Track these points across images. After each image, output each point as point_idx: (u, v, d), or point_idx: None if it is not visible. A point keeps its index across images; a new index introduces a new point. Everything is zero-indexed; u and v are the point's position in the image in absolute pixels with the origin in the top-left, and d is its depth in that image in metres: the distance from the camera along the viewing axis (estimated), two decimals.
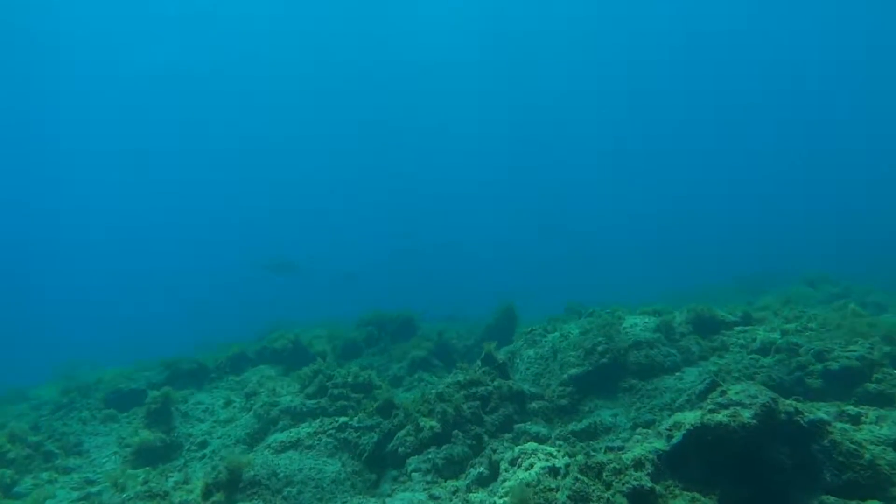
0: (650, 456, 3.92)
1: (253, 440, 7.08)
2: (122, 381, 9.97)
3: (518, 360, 9.80)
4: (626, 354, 7.53)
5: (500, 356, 7.46)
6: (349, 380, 8.19)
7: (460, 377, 6.98)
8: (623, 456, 3.93)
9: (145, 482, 4.45)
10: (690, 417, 4.31)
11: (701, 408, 4.77)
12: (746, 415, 3.99)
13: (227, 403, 8.34)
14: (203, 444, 7.11)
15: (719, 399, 4.27)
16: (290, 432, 6.69)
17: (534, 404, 7.19)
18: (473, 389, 6.82)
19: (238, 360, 10.56)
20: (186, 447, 7.07)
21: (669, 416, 5.94)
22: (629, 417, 6.38)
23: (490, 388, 6.88)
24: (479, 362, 7.56)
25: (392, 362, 11.71)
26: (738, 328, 7.84)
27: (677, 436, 4.20)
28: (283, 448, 6.37)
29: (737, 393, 4.48)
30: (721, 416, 4.02)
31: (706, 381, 5.15)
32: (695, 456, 4.11)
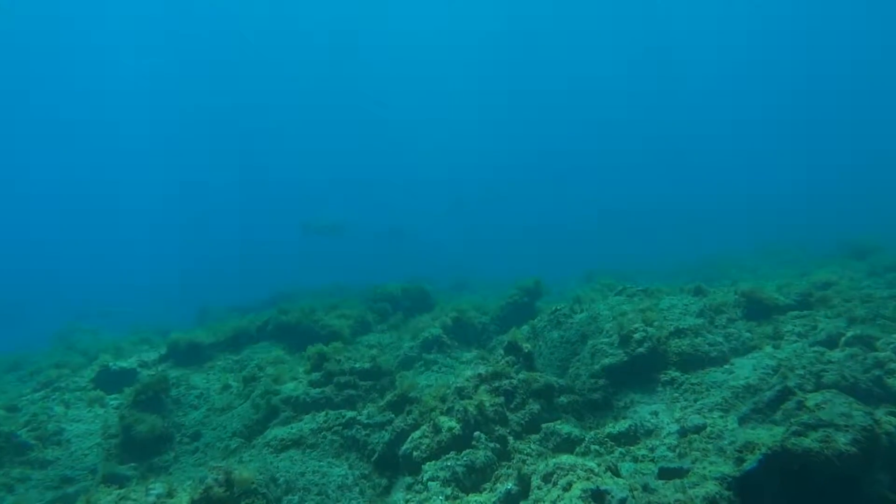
0: (725, 493, 3.29)
1: (251, 432, 6.60)
2: (112, 356, 9.56)
3: (541, 343, 9.21)
4: (667, 343, 6.87)
5: (527, 345, 6.84)
6: (357, 365, 7.65)
7: (482, 369, 6.37)
8: (691, 493, 3.30)
9: (121, 499, 3.92)
10: (766, 437, 3.67)
11: (773, 422, 4.13)
12: (843, 440, 3.33)
13: (224, 388, 7.86)
14: (196, 436, 6.66)
15: (803, 417, 3.60)
16: (292, 427, 6.19)
17: (562, 398, 6.60)
18: (497, 383, 6.23)
19: (238, 336, 10.08)
20: (178, 439, 6.61)
21: (722, 418, 5.34)
22: (673, 417, 5.77)
23: (515, 381, 6.28)
24: (501, 351, 6.95)
25: (404, 340, 11.18)
26: (793, 313, 7.13)
27: (751, 460, 3.57)
28: (284, 446, 5.88)
29: (819, 406, 3.82)
30: (810, 442, 3.36)
31: (776, 389, 4.48)
32: (773, 486, 3.48)
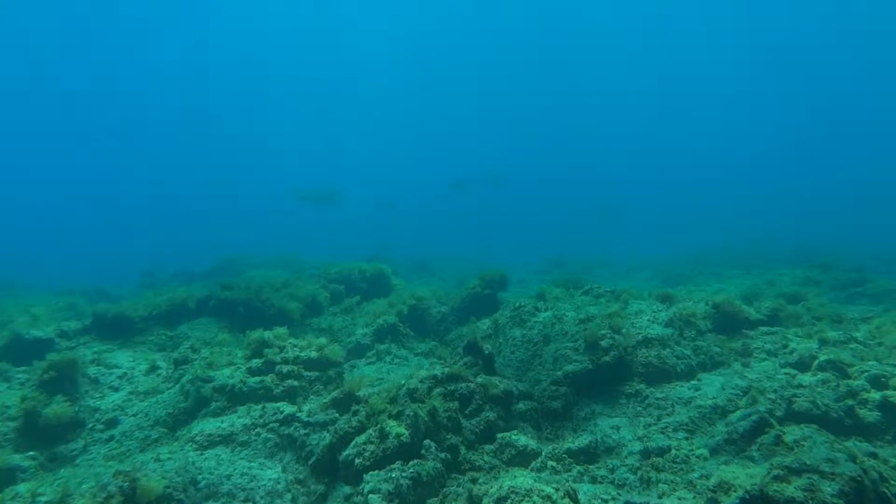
0: None
1: (176, 423, 6.02)
2: (28, 322, 8.74)
3: (501, 340, 8.88)
4: (635, 352, 6.63)
5: (487, 346, 6.48)
6: (302, 354, 7.13)
7: (438, 370, 5.98)
8: None
9: None
10: (743, 478, 3.39)
11: (750, 458, 3.87)
12: (829, 490, 3.07)
13: (152, 369, 7.21)
14: (112, 423, 6.03)
15: (785, 459, 3.33)
16: (223, 421, 5.66)
17: (521, 405, 6.29)
18: (453, 387, 5.85)
19: (175, 310, 9.36)
20: (91, 425, 5.97)
21: (687, 440, 5.11)
22: (635, 434, 5.53)
23: (473, 385, 5.92)
24: (460, 350, 6.56)
25: (357, 326, 10.69)
26: (763, 328, 7.00)
27: (726, 502, 3.29)
28: (211, 442, 5.35)
29: (799, 444, 3.58)
30: (793, 490, 3.10)
31: (751, 419, 4.24)
32: None
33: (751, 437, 4.06)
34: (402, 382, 6.08)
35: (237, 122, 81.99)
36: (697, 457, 4.60)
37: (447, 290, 14.90)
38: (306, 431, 5.60)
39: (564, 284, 11.96)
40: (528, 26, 67.24)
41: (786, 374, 5.61)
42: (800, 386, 5.32)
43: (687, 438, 5.10)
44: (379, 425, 5.24)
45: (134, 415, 6.13)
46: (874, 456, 3.53)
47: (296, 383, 6.80)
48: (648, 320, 7.57)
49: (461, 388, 5.89)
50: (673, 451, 4.82)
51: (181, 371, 6.92)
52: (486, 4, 65.34)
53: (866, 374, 5.19)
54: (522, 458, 5.34)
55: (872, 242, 29.09)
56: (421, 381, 5.88)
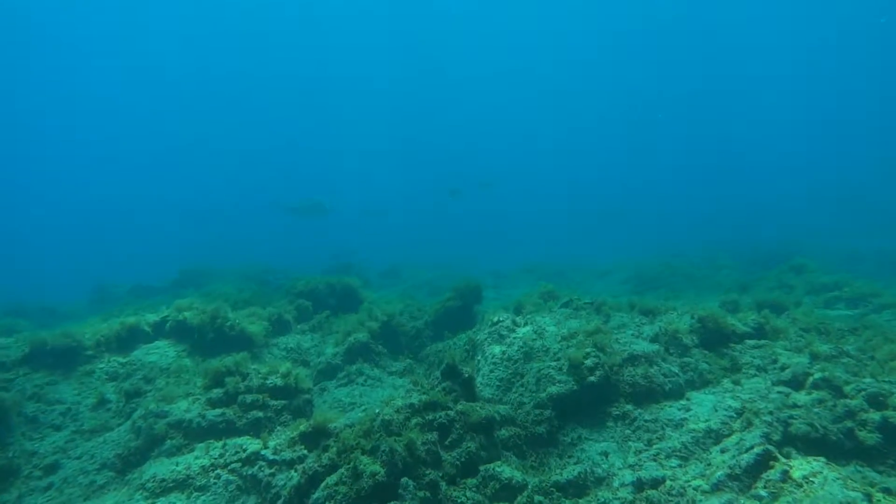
0: None
1: (126, 465, 5.52)
2: None
3: (480, 358, 8.58)
4: (621, 372, 6.40)
5: (467, 370, 6.15)
6: (267, 382, 6.70)
7: (415, 398, 5.63)
8: None
9: None
10: None
11: (757, 498, 3.63)
12: None
13: (100, 403, 6.67)
14: (52, 468, 5.49)
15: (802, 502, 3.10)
16: (178, 463, 5.19)
17: (503, 431, 5.99)
18: (431, 416, 5.51)
19: (129, 333, 8.77)
20: (27, 472, 5.43)
21: (682, 468, 4.87)
22: (626, 461, 5.28)
23: (452, 413, 5.58)
24: (438, 374, 6.23)
25: (327, 344, 10.26)
26: (750, 342, 6.86)
27: None
28: (164, 489, 4.89)
29: (808, 480, 3.35)
30: None
31: (754, 452, 4.01)
32: None
33: (755, 471, 3.84)
34: (377, 412, 5.72)
35: (197, 127, 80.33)
36: (694, 489, 4.36)
37: (420, 301, 14.59)
38: (272, 471, 5.18)
39: (542, 295, 11.75)
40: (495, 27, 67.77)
41: (779, 392, 5.44)
42: (795, 406, 5.15)
43: (681, 466, 4.87)
44: (352, 463, 4.87)
45: (78, 457, 5.60)
46: (889, 492, 3.33)
47: (261, 414, 6.37)
48: (632, 335, 7.38)
49: (440, 416, 5.55)
50: (668, 483, 4.58)
51: (133, 405, 6.41)
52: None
53: (863, 392, 5.05)
54: (507, 493, 5.03)
55: (839, 238, 29.98)
56: (397, 412, 5.53)
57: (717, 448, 4.86)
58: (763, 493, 3.56)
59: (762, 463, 3.85)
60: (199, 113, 78.35)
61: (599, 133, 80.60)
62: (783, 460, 3.79)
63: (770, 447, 4.00)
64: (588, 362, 6.39)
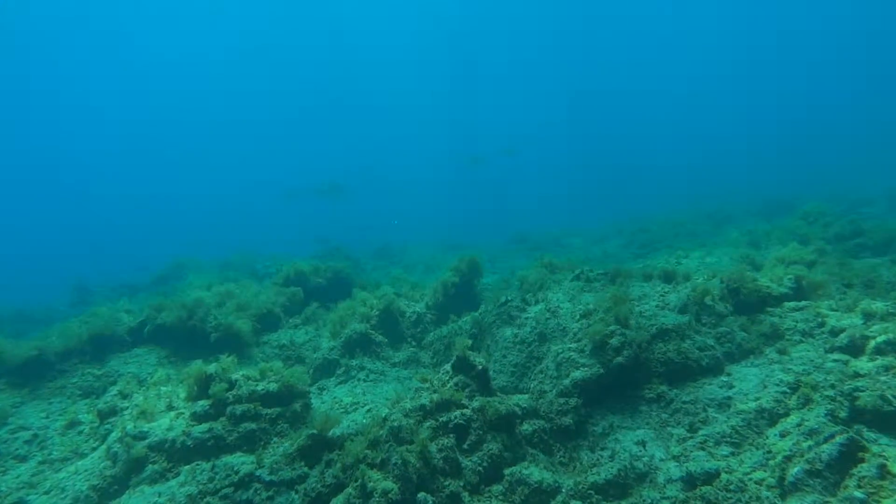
0: None
1: (102, 497, 4.98)
2: None
3: (490, 342, 8.08)
4: (651, 349, 5.89)
5: (480, 360, 5.61)
6: (259, 388, 6.14)
7: (426, 398, 5.10)
8: None
9: None
10: None
11: (853, 502, 3.12)
12: None
13: (71, 425, 6.10)
14: None
15: None
16: (161, 494, 4.66)
17: (526, 426, 5.50)
18: (445, 416, 4.99)
19: (101, 340, 8.17)
20: None
21: (736, 457, 4.37)
22: (668, 451, 4.79)
23: (469, 412, 5.07)
24: (448, 368, 5.69)
25: (322, 338, 9.71)
26: (790, 304, 6.35)
27: None
28: None
29: None
30: None
31: (837, 442, 3.48)
32: None
33: (841, 466, 3.34)
34: (384, 416, 5.20)
35: (178, 119, 78.79)
36: (757, 482, 3.87)
37: (416, 281, 14.04)
38: (269, 494, 4.66)
39: (545, 267, 11.20)
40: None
41: (836, 361, 4.95)
42: (857, 375, 4.65)
43: (735, 455, 4.39)
44: (360, 480, 4.36)
45: (47, 492, 5.06)
46: None
47: (253, 426, 5.83)
48: (656, 306, 6.85)
49: (455, 417, 5.03)
50: (724, 476, 4.10)
51: (109, 425, 5.85)
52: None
53: None
54: (539, 498, 4.56)
55: (839, 182, 29.53)
56: (406, 415, 5.00)
57: (775, 431, 4.37)
58: (858, 494, 3.07)
59: (849, 455, 3.36)
60: (186, 101, 77.06)
61: (582, 99, 79.65)
62: (875, 450, 3.29)
63: (854, 435, 3.50)
64: (613, 341, 5.87)
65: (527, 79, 77.93)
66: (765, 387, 4.97)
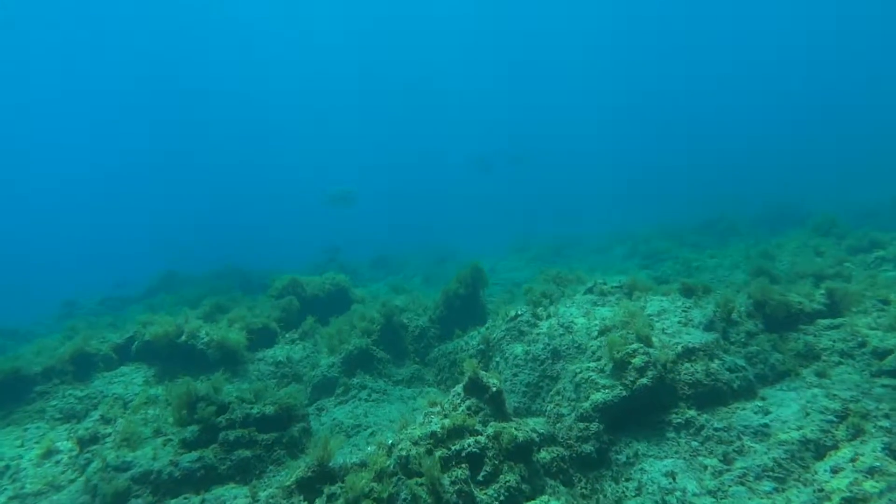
0: None
1: None
2: None
3: (500, 360, 7.70)
4: (677, 369, 5.52)
5: (494, 381, 5.23)
6: (254, 411, 5.74)
7: (436, 424, 4.71)
8: None
9: None
10: None
11: None
12: None
13: (48, 454, 5.67)
14: None
15: None
16: None
17: (544, 453, 5.10)
18: (458, 444, 4.59)
19: (84, 358, 7.75)
20: None
21: (781, 494, 3.99)
22: (702, 485, 4.40)
23: (483, 439, 4.67)
24: (459, 390, 5.30)
25: (320, 354, 9.30)
26: (825, 321, 5.99)
27: None
28: None
29: None
30: None
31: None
32: None
33: None
34: (390, 443, 4.81)
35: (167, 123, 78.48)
36: None
37: (417, 293, 13.66)
38: None
39: (554, 280, 10.85)
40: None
41: (885, 386, 4.58)
42: None
43: (779, 491, 4.01)
44: None
45: None
46: None
47: (248, 453, 5.43)
48: (678, 322, 6.49)
49: (469, 444, 4.64)
50: None
51: (89, 454, 5.43)
52: None
53: None
54: None
55: (841, 192, 29.25)
56: (415, 443, 4.61)
57: (825, 466, 3.99)
58: None
59: None
60: (182, 113, 76.97)
61: (581, 108, 79.82)
62: None
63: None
64: (636, 361, 5.50)
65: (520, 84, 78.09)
66: (807, 414, 4.59)
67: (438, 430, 4.68)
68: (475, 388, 5.30)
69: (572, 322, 7.37)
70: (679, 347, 5.68)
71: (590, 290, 8.66)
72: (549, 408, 5.94)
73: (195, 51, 69.07)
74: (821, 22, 65.91)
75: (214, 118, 79.53)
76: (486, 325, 8.96)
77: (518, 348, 7.45)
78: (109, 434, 5.60)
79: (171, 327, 8.18)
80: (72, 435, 5.79)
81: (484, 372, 5.35)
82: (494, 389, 5.27)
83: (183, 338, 8.07)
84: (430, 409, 5.14)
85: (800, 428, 4.46)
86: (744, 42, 70.21)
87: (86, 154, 78.48)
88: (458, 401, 5.27)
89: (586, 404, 5.49)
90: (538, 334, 7.49)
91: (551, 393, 6.15)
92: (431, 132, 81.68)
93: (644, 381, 5.36)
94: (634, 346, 5.65)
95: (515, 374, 7.15)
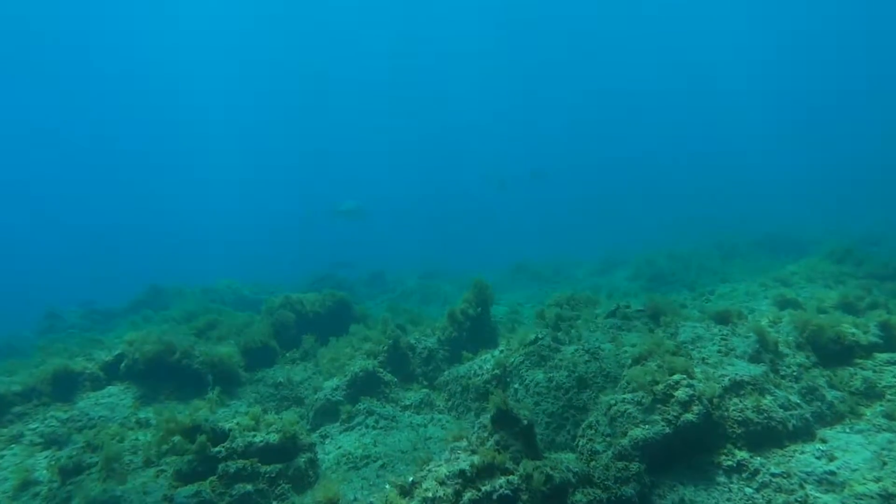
0: None
1: None
2: None
3: (518, 386, 7.24)
4: (724, 405, 5.09)
5: (524, 413, 4.78)
6: (257, 440, 5.26)
7: (464, 462, 4.26)
8: None
9: None
10: None
11: None
12: None
13: (24, 486, 5.15)
14: None
15: None
16: None
17: (579, 496, 4.63)
18: (488, 486, 4.14)
19: (66, 378, 7.21)
20: None
21: None
22: None
23: (516, 479, 4.22)
24: (486, 421, 4.84)
25: (323, 376, 8.80)
26: (883, 356, 5.59)
27: None
28: None
29: None
30: None
31: None
32: None
33: None
34: (409, 480, 4.35)
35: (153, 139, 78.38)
36: None
37: (416, 311, 13.25)
38: None
39: (566, 301, 10.39)
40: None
41: None
42: None
43: None
44: None
45: None
46: None
47: (249, 487, 4.94)
48: (718, 351, 6.07)
49: (500, 485, 4.19)
50: None
51: (72, 486, 4.92)
52: None
53: None
54: None
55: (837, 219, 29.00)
56: (442, 484, 4.15)
57: None
58: None
59: None
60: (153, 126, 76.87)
61: (570, 123, 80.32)
62: None
63: None
64: (680, 394, 5.06)
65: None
66: (884, 463, 4.17)
67: (468, 468, 4.22)
68: (504, 420, 4.85)
69: (599, 348, 6.95)
70: (726, 380, 5.26)
71: (612, 314, 8.25)
72: (580, 443, 5.48)
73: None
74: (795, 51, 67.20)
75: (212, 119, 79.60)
76: (500, 349, 8.53)
77: (539, 375, 7.01)
78: (96, 463, 5.09)
79: (162, 345, 7.68)
80: (52, 463, 5.27)
81: (513, 402, 4.91)
82: (525, 423, 4.82)
83: (176, 356, 7.57)
84: (457, 444, 4.69)
85: (878, 480, 4.03)
86: (742, 43, 70.96)
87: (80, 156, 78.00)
88: (486, 434, 4.81)
89: (624, 441, 5.04)
90: (561, 360, 7.05)
91: (582, 426, 5.69)
92: (429, 148, 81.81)
93: (690, 416, 4.93)
94: (676, 377, 5.23)
95: (537, 404, 6.69)
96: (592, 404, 6.15)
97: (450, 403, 8.37)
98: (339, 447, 6.71)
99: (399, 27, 69.67)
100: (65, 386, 6.89)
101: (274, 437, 5.38)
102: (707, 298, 12.97)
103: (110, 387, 7.29)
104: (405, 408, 8.09)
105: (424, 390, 8.60)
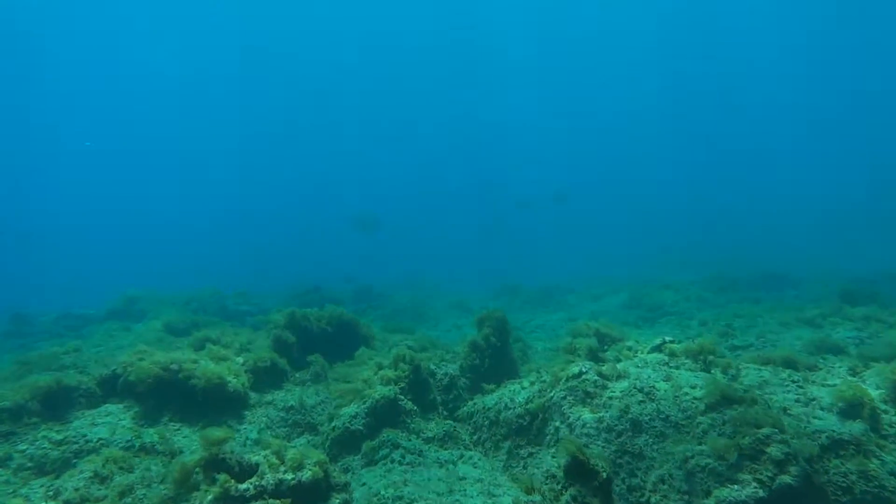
0: None
1: None
2: None
3: (560, 424, 6.68)
4: (824, 468, 4.59)
5: (602, 466, 4.24)
6: (288, 477, 4.64)
7: None
8: None
9: None
10: None
11: None
12: None
13: None
14: None
15: None
16: None
17: None
18: None
19: (63, 392, 6.52)
20: None
21: None
22: None
23: None
24: (558, 473, 4.29)
25: (333, 398, 8.15)
26: None
27: None
28: None
29: None
30: None
31: None
32: None
33: None
34: None
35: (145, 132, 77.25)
36: None
37: (434, 337, 12.69)
38: None
39: (593, 333, 9.86)
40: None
41: None
42: None
43: None
44: None
45: None
46: None
47: None
48: (796, 401, 5.59)
49: None
50: None
51: None
52: None
53: None
54: None
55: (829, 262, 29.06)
56: None
57: None
58: None
59: None
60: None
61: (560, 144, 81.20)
62: None
63: None
64: (773, 451, 4.56)
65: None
66: None
67: None
68: (579, 472, 4.30)
69: (653, 387, 6.43)
70: (823, 437, 4.77)
71: (658, 349, 7.77)
72: (652, 499, 4.94)
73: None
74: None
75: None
76: (529, 380, 8.02)
77: (587, 415, 6.46)
78: (105, 498, 4.41)
79: (162, 363, 7.01)
80: (53, 496, 4.57)
81: (589, 450, 4.37)
82: (605, 476, 4.28)
83: (180, 375, 6.91)
84: (530, 498, 4.12)
85: None
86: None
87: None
88: (559, 487, 4.26)
89: (709, 502, 4.52)
90: (610, 398, 6.52)
91: (652, 481, 5.15)
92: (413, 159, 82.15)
93: (786, 478, 4.42)
94: (766, 430, 4.73)
95: (586, 446, 6.14)
96: (652, 452, 5.62)
97: (475, 437, 7.78)
98: (364, 484, 6.08)
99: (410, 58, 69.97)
100: (59, 402, 6.18)
101: (307, 475, 4.76)
102: (726, 333, 12.56)
103: (108, 405, 6.59)
104: (428, 440, 7.47)
105: (447, 421, 8.00)
